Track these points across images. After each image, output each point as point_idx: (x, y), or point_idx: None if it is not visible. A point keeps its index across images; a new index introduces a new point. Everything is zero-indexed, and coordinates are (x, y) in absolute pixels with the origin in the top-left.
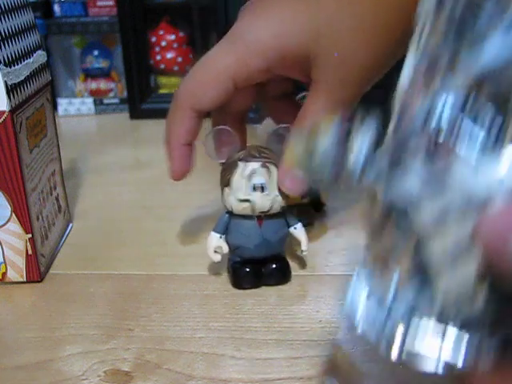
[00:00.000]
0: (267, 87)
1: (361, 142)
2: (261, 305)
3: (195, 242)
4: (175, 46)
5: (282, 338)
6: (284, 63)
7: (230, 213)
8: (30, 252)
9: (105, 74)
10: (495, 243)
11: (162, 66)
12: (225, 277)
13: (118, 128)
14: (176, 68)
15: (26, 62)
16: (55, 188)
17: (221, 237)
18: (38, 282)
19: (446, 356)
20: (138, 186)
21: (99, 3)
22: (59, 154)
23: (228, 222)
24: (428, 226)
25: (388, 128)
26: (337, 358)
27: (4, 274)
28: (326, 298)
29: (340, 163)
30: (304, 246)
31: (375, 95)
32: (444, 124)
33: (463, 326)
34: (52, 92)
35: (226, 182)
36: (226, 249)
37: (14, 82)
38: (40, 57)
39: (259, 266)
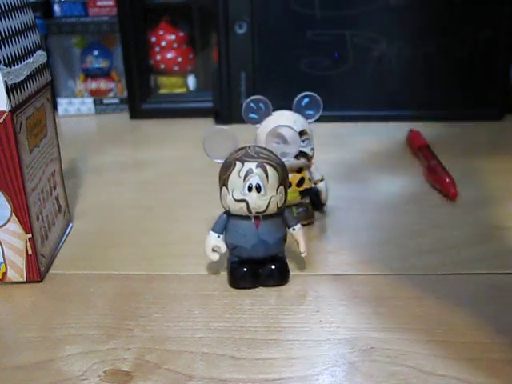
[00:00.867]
0: None
1: None
2: (261, 305)
3: (195, 242)
4: (175, 46)
5: (281, 338)
6: None
7: (228, 213)
8: (30, 252)
9: (105, 74)
10: None
11: (162, 66)
12: (225, 277)
13: (117, 128)
14: (176, 68)
15: (25, 62)
16: (55, 188)
17: (219, 236)
18: (38, 282)
19: None
20: (138, 186)
21: (99, 3)
22: (59, 154)
23: (226, 221)
24: None
25: None
26: None
27: (4, 274)
28: (325, 298)
29: None
30: (302, 247)
31: None
32: None
33: None
34: (52, 92)
35: (223, 182)
36: (224, 248)
37: (13, 82)
38: (40, 57)
39: (257, 267)
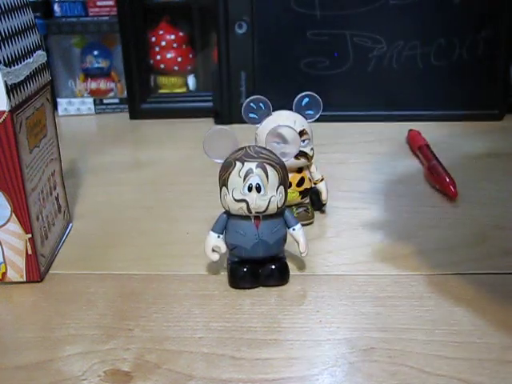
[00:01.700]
0: None
1: None
2: (260, 305)
3: (195, 242)
4: (175, 45)
5: (281, 338)
6: None
7: (228, 213)
8: (29, 252)
9: (105, 74)
10: None
11: (162, 66)
12: (225, 277)
13: (117, 128)
14: (176, 68)
15: (25, 61)
16: (55, 188)
17: (219, 236)
18: (38, 282)
19: None
20: (137, 186)
21: (99, 3)
22: (59, 153)
23: (226, 221)
24: None
25: None
26: None
27: (4, 274)
28: (325, 298)
29: None
30: (302, 247)
31: None
32: None
33: None
34: (52, 92)
35: (223, 182)
36: (224, 248)
37: (13, 81)
38: (40, 57)
39: (257, 267)
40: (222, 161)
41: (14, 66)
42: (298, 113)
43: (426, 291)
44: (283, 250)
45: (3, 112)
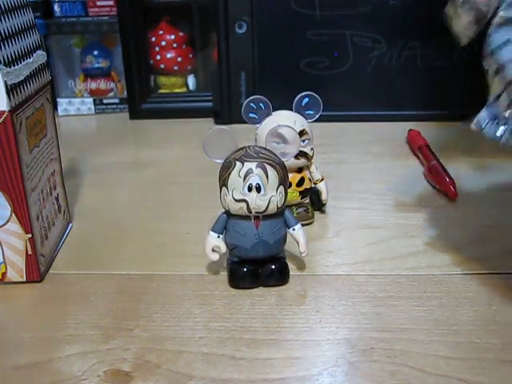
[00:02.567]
0: None
1: None
2: (260, 305)
3: (195, 242)
4: (175, 45)
5: (281, 338)
6: None
7: (228, 212)
8: (29, 252)
9: (105, 74)
10: None
11: (162, 66)
12: (225, 277)
13: (117, 128)
14: (176, 68)
15: (25, 61)
16: (55, 188)
17: (219, 236)
18: (38, 282)
19: None
20: (138, 186)
21: (99, 3)
22: (59, 153)
23: (226, 221)
24: None
25: None
26: None
27: (4, 274)
28: (325, 298)
29: None
30: (302, 247)
31: None
32: None
33: None
34: (52, 92)
35: (223, 182)
36: (224, 248)
37: (13, 81)
38: (40, 57)
39: (257, 267)
40: (221, 161)
41: (14, 65)
42: (298, 113)
43: (426, 291)
44: (283, 250)
45: (3, 112)
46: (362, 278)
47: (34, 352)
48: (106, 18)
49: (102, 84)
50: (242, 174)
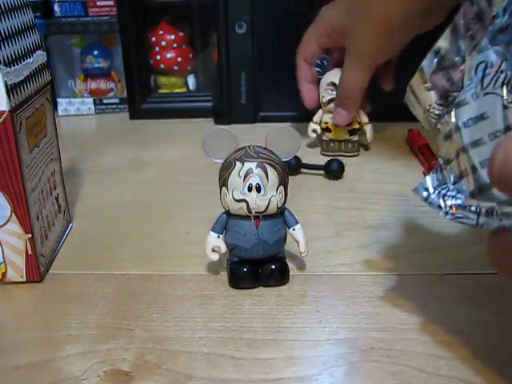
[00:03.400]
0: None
1: None
2: (260, 305)
3: (195, 242)
4: (175, 45)
5: (281, 338)
6: (334, 33)
7: (228, 212)
8: (29, 252)
9: (105, 74)
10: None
11: (162, 66)
12: (225, 277)
13: (117, 128)
14: (176, 68)
15: (25, 61)
16: (55, 188)
17: (219, 236)
18: (38, 282)
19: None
20: (138, 186)
21: (99, 3)
22: (59, 153)
23: (226, 221)
24: None
25: None
26: None
27: (4, 274)
28: (325, 298)
29: None
30: (302, 247)
31: None
32: None
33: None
34: (52, 92)
35: (223, 182)
36: (224, 248)
37: (13, 81)
38: (40, 57)
39: (257, 267)
40: (221, 161)
41: (14, 66)
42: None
43: (426, 291)
44: (283, 249)
45: (3, 112)
46: (362, 278)
47: (34, 352)
48: (106, 18)
49: (102, 84)
50: (242, 173)
